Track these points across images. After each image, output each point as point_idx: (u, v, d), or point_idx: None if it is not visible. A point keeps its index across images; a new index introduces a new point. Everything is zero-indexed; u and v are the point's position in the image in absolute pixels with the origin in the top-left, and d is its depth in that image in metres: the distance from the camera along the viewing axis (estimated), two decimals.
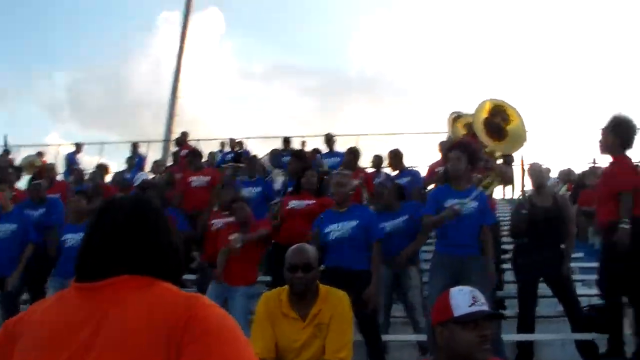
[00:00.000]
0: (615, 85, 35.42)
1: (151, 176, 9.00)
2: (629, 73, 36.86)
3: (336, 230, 4.30)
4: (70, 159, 12.07)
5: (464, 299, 1.92)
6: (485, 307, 1.92)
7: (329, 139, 9.35)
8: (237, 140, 12.12)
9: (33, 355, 1.09)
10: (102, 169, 9.38)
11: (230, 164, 9.50)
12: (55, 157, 14.54)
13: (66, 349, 1.06)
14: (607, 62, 36.18)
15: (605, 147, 4.34)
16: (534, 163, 5.35)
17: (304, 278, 2.77)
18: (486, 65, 38.60)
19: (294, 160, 6.77)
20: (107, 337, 1.05)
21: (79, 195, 5.68)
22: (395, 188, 5.01)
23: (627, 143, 4.27)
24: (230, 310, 4.52)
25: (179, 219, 5.66)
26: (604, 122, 4.36)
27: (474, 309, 1.89)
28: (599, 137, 4.35)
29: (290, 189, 5.97)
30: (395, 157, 7.51)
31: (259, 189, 6.86)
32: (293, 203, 5.40)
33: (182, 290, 1.19)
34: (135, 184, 6.91)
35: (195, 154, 8.25)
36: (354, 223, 4.29)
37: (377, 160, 8.10)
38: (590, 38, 36.94)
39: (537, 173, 4.94)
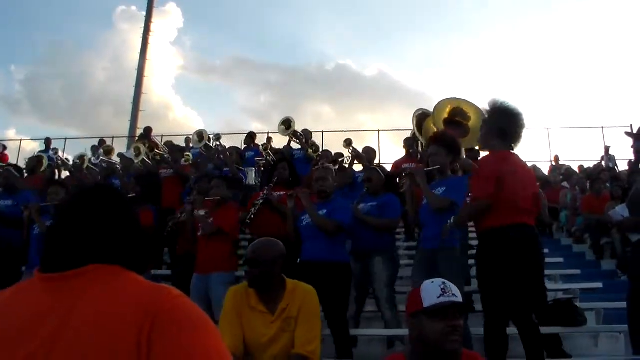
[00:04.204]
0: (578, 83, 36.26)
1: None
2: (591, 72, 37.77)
3: (307, 218, 4.40)
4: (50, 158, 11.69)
5: (433, 290, 1.93)
6: (456, 299, 1.91)
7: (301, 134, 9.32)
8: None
9: None
10: (82, 159, 9.18)
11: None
12: (17, 151, 14.25)
13: (32, 340, 1.02)
14: (570, 62, 37.00)
15: None
16: None
17: (251, 273, 2.77)
18: (449, 59, 39.25)
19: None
20: (75, 328, 1.02)
21: (55, 186, 5.54)
22: (386, 177, 5.05)
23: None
24: (214, 301, 4.48)
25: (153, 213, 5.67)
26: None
27: (442, 299, 1.89)
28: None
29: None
30: (369, 154, 7.64)
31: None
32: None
33: (151, 282, 1.16)
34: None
35: (175, 148, 8.33)
36: (322, 212, 4.35)
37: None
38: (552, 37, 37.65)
39: None
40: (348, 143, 8.54)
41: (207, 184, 5.35)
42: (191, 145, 11.00)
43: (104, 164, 8.66)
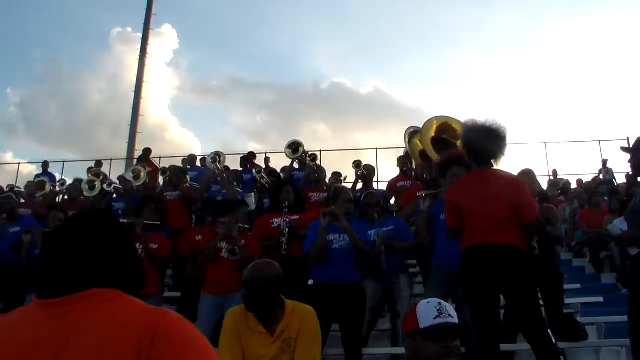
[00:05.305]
0: (576, 99, 36.38)
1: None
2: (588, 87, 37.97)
3: (339, 240, 4.31)
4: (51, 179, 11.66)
5: (429, 311, 1.92)
6: (452, 319, 1.90)
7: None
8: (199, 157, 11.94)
9: None
10: (80, 182, 9.21)
11: None
12: (15, 175, 14.29)
13: None
14: (567, 77, 37.24)
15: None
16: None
17: (247, 295, 2.77)
18: (445, 75, 39.49)
19: None
20: (75, 352, 1.02)
21: (56, 211, 5.63)
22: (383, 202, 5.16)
23: None
24: None
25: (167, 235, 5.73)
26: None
27: (438, 321, 1.88)
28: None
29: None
30: (370, 172, 7.74)
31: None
32: (277, 221, 5.28)
33: (149, 305, 1.17)
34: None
35: (177, 170, 8.35)
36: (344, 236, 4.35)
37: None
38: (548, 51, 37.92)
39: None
40: (357, 164, 8.78)
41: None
42: (188, 166, 11.03)
43: (111, 188, 8.73)
